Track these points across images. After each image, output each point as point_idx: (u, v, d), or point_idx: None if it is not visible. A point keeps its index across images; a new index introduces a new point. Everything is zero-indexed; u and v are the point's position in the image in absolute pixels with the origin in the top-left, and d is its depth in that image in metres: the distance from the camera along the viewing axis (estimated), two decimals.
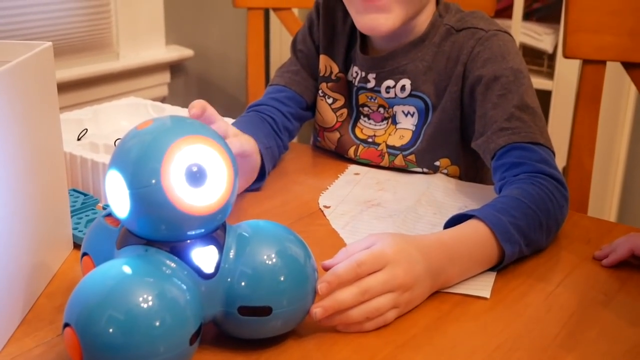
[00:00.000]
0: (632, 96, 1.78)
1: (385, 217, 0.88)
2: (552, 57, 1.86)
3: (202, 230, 0.59)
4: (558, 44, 1.79)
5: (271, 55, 2.10)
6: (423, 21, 0.99)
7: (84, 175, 0.90)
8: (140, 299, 0.54)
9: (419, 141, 1.00)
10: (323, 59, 1.09)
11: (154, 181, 0.56)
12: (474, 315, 0.69)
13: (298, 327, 0.64)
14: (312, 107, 1.12)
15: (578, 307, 0.70)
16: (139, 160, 0.56)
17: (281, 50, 2.09)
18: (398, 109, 1.02)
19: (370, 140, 1.05)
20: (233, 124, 1.01)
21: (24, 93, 0.66)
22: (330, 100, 1.08)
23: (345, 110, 1.08)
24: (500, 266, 0.76)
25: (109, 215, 0.65)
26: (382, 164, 1.04)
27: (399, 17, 0.94)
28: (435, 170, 1.01)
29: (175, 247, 0.58)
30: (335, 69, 1.08)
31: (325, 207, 0.92)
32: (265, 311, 0.60)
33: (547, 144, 0.89)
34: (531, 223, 0.78)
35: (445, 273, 0.71)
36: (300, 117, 1.11)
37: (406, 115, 1.01)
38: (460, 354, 0.63)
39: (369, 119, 1.06)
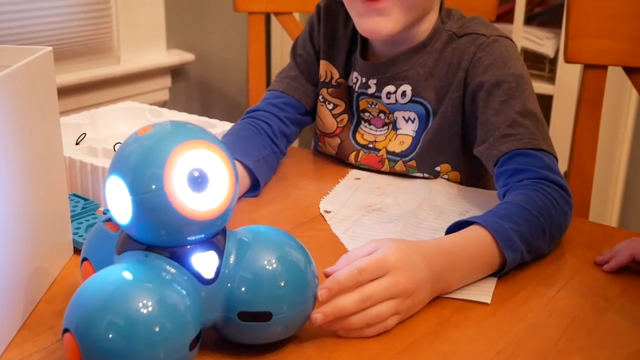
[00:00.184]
0: (633, 101, 1.77)
1: (386, 222, 0.88)
2: (553, 62, 1.86)
3: (203, 236, 0.59)
4: (559, 48, 1.79)
5: (272, 60, 2.10)
6: (425, 28, 0.99)
7: (83, 179, 0.90)
8: (140, 304, 0.54)
9: (419, 147, 1.00)
10: (323, 65, 1.08)
11: (156, 187, 0.56)
12: (475, 320, 0.69)
13: (298, 333, 0.64)
14: (310, 112, 1.12)
15: (579, 313, 0.70)
16: (140, 166, 0.56)
17: (282, 54, 2.08)
18: (399, 115, 1.02)
19: (370, 145, 1.05)
20: (225, 134, 1.01)
21: (24, 98, 0.66)
22: (330, 106, 1.08)
23: (345, 116, 1.08)
24: (502, 273, 0.76)
25: (109, 220, 0.65)
26: (382, 170, 1.04)
27: (399, 21, 0.93)
28: (436, 175, 1.01)
29: (176, 253, 0.58)
30: (336, 75, 1.08)
31: (326, 212, 0.92)
32: (266, 316, 0.60)
33: (550, 150, 0.88)
34: (534, 230, 0.77)
35: (445, 279, 0.71)
36: (299, 122, 1.10)
37: (407, 121, 1.01)
38: None
39: (369, 124, 1.05)
